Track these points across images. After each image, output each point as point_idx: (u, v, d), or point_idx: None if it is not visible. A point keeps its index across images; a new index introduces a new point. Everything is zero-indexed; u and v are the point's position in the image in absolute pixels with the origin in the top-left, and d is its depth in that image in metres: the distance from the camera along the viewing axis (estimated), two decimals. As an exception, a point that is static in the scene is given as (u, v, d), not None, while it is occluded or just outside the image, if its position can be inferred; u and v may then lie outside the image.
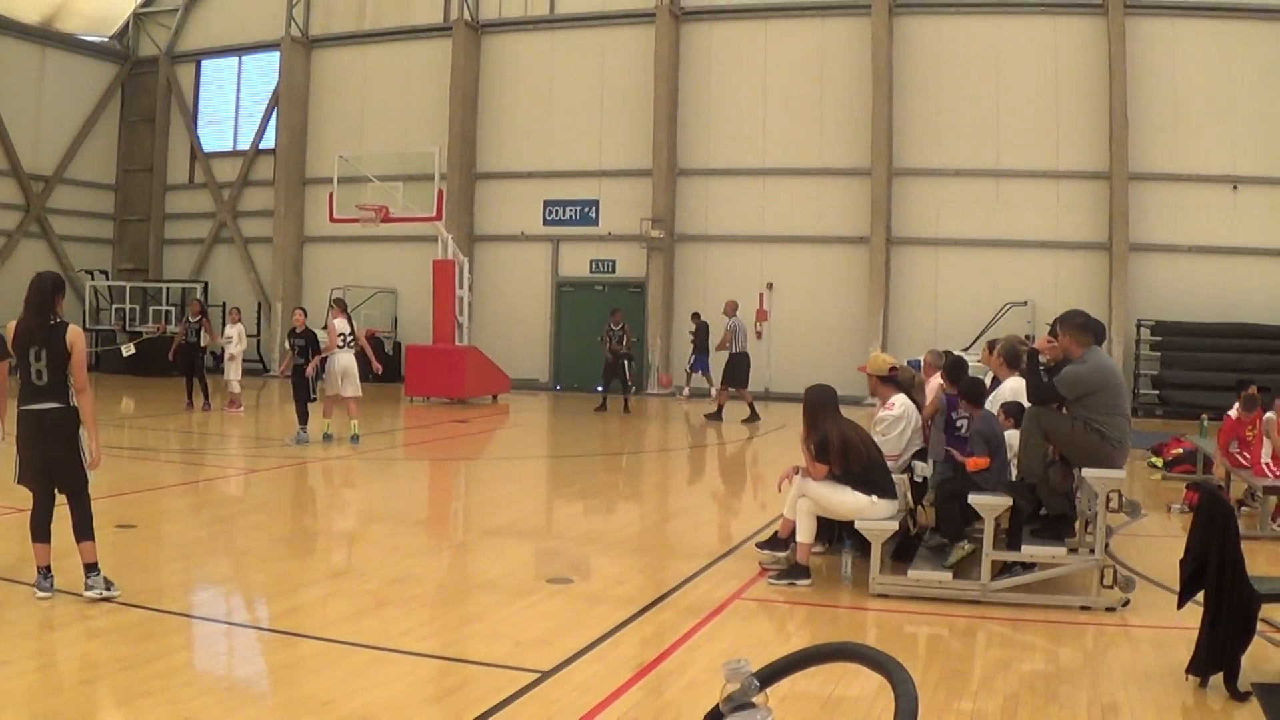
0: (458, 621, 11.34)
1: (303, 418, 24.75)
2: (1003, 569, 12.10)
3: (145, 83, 51.66)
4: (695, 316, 36.04)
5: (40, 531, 11.67)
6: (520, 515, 18.20)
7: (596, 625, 10.70)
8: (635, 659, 9.80)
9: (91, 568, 11.48)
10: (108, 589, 11.34)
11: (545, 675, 9.12)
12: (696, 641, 10.35)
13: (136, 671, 9.35)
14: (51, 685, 8.99)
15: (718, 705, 3.13)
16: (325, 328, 26.18)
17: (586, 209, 42.13)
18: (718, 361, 31.84)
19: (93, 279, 48.95)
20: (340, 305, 26.67)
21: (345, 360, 25.22)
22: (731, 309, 31.47)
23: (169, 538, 15.08)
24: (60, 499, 11.63)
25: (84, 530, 11.62)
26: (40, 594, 11.30)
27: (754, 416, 30.35)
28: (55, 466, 11.56)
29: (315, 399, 25.28)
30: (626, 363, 33.36)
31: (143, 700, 8.61)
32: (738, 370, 30.57)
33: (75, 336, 11.80)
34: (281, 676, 9.52)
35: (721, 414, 30.88)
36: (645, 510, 19.42)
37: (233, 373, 31.02)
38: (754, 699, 3.10)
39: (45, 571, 11.63)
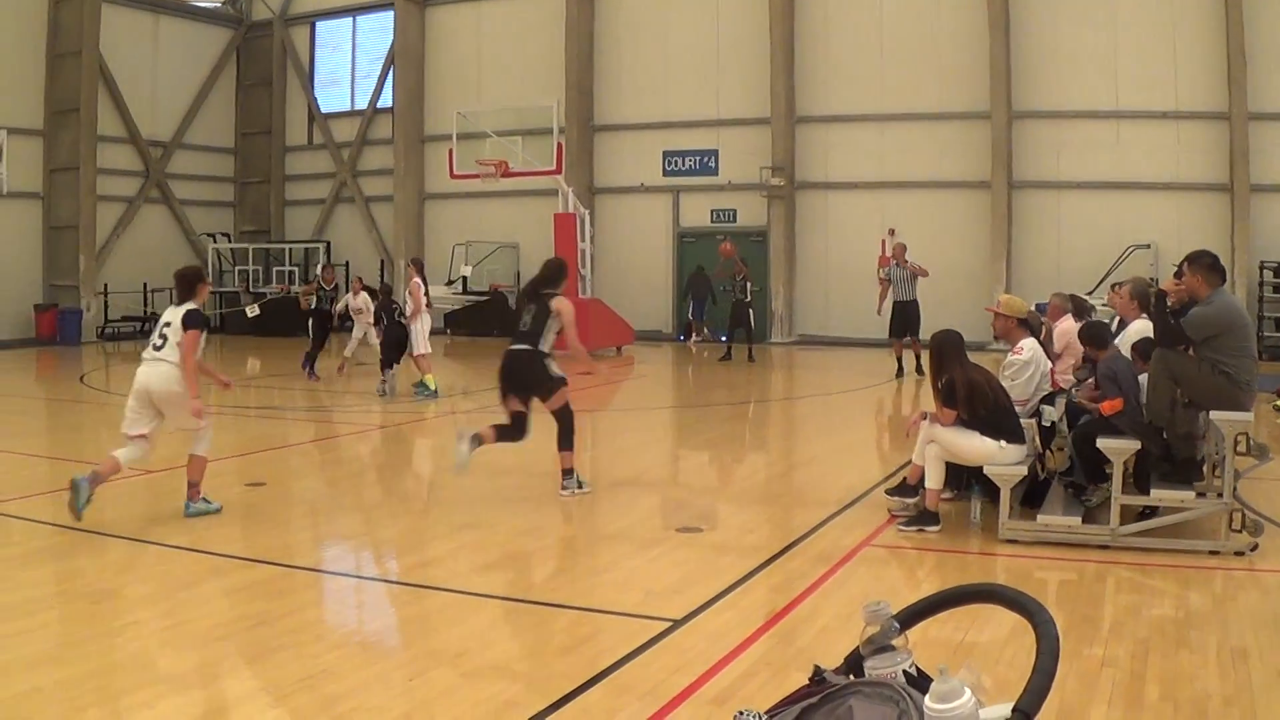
0: (588, 572, 11.46)
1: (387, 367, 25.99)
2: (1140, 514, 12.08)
3: (260, 46, 52.05)
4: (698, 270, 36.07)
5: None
6: (647, 466, 18.29)
7: (726, 574, 10.76)
8: (766, 607, 9.85)
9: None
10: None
11: (677, 624, 9.20)
12: (827, 589, 10.37)
13: (270, 627, 9.53)
14: (188, 642, 9.12)
15: (857, 648, 3.17)
16: (408, 290, 26.79)
17: (706, 159, 42.02)
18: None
19: (215, 242, 49.45)
20: (418, 266, 27.27)
21: (428, 321, 26.36)
22: (899, 253, 30.07)
23: (298, 495, 15.28)
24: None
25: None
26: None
27: (900, 371, 29.14)
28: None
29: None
30: (750, 311, 33.24)
31: (277, 655, 8.77)
32: (904, 319, 29.17)
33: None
34: (413, 629, 9.67)
35: (902, 367, 29.40)
36: (771, 459, 19.46)
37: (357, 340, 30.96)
38: (894, 641, 3.13)
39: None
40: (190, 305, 13.49)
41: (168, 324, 13.53)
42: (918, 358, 27.96)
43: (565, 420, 15.30)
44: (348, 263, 47.33)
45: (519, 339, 15.26)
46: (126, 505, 14.85)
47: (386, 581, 11.47)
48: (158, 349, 13.42)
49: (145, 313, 45.62)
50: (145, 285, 45.67)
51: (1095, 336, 13.36)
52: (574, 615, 9.75)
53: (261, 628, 9.51)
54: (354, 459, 18.83)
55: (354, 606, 10.63)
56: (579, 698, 7.72)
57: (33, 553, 12.52)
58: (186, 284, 13.76)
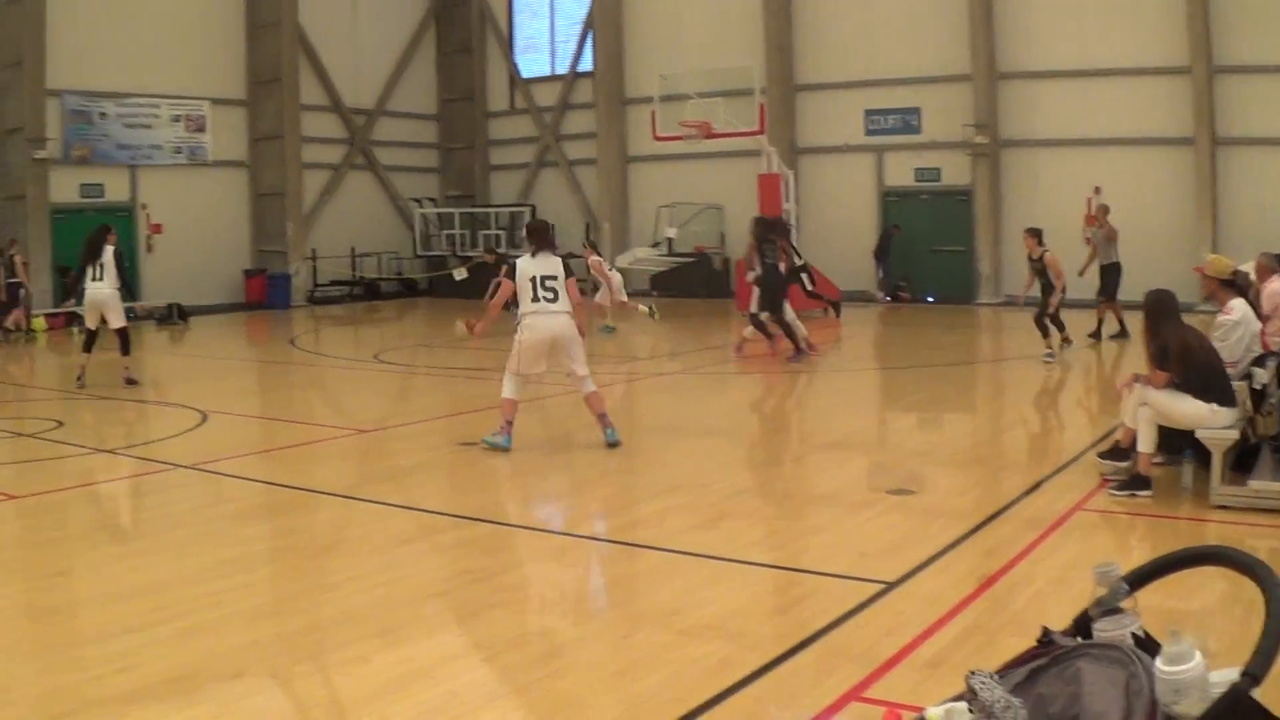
0: (800, 533, 11.45)
1: None
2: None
3: (459, 14, 52.29)
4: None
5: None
6: (856, 428, 18.23)
7: (939, 537, 10.70)
8: (978, 571, 9.77)
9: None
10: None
11: (890, 586, 9.17)
12: (1038, 554, 10.26)
13: (485, 584, 9.71)
14: (402, 598, 9.33)
15: (1086, 610, 3.19)
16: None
17: (908, 117, 41.56)
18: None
19: (421, 207, 49.91)
20: (592, 245, 30.72)
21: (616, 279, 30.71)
22: (1101, 214, 29.39)
23: (514, 454, 15.41)
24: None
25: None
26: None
27: (1123, 332, 28.40)
28: None
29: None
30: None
31: (492, 612, 8.92)
32: (1104, 281, 28.59)
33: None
34: (627, 588, 9.82)
35: (1100, 332, 28.71)
36: (980, 422, 19.31)
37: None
38: (1122, 603, 3.15)
39: None
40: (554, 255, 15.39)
41: (552, 276, 15.01)
42: (1120, 321, 27.50)
43: None
44: (553, 226, 47.54)
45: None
46: (338, 464, 15.17)
47: (598, 540, 11.54)
48: (551, 301, 14.91)
49: (353, 277, 46.28)
50: (353, 250, 46.33)
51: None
52: (787, 576, 9.77)
53: (476, 585, 9.69)
54: (563, 419, 18.96)
55: (567, 565, 10.68)
56: (792, 659, 7.75)
57: (247, 510, 12.87)
58: (545, 234, 15.75)
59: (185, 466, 14.81)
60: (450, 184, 52.33)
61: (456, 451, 15.45)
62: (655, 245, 43.01)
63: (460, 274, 38.94)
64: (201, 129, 43.06)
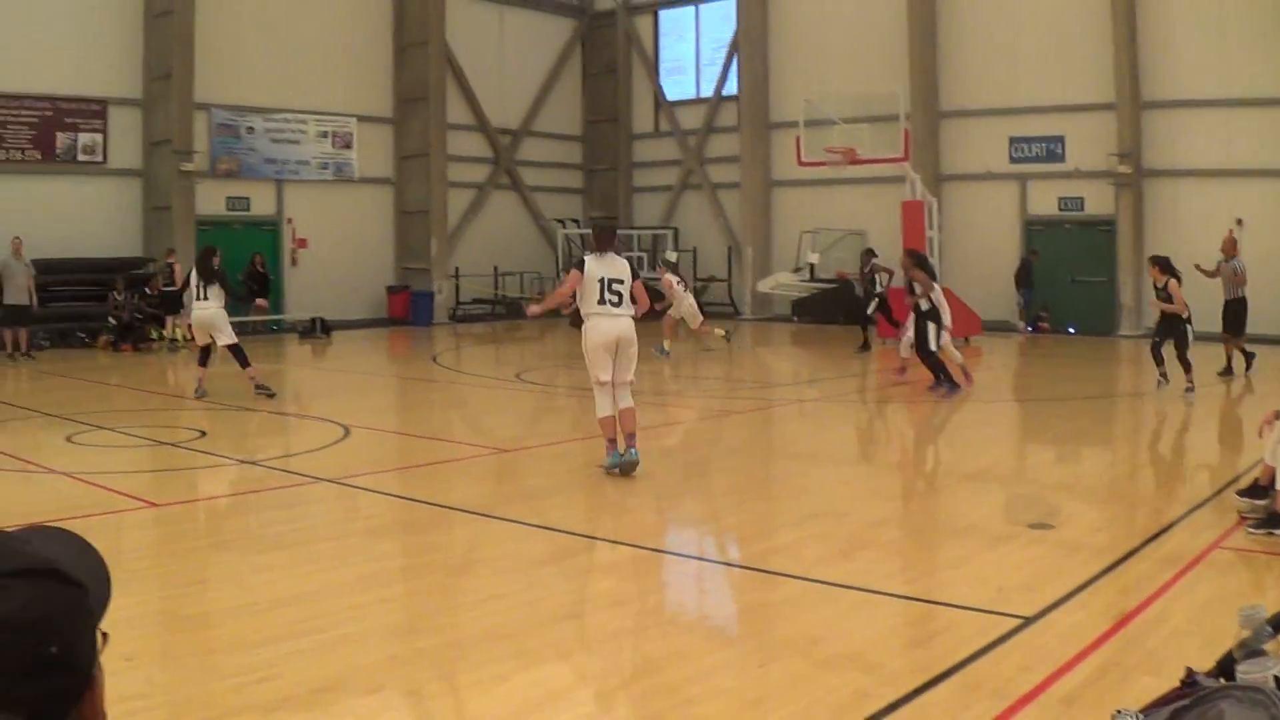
0: (939, 565, 11.38)
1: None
2: None
3: (604, 35, 52.73)
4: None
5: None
6: (995, 460, 18.10)
7: (1076, 573, 10.56)
8: (1115, 608, 9.66)
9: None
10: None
11: (1028, 621, 9.07)
12: (1175, 592, 10.11)
13: (621, 608, 9.78)
14: (538, 619, 9.35)
15: (1230, 651, 3.18)
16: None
17: (1052, 145, 41.24)
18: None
19: (564, 227, 50.12)
20: (670, 266, 31.70)
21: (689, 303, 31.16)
22: (1228, 247, 29.02)
23: (647, 477, 15.45)
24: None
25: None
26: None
27: (1248, 367, 27.98)
28: None
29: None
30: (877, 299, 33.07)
31: (628, 636, 8.99)
32: (1239, 316, 28.16)
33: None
34: (764, 615, 9.71)
35: (1231, 367, 28.14)
36: (1119, 456, 19.09)
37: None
38: (1266, 646, 3.13)
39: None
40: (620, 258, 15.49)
41: (619, 280, 15.03)
42: (1246, 356, 27.11)
43: None
44: (695, 249, 47.72)
45: None
46: (476, 482, 15.28)
47: (736, 567, 11.52)
48: (616, 304, 14.95)
49: (495, 295, 46.59)
50: (495, 269, 46.66)
51: None
52: (924, 609, 9.72)
53: (613, 608, 9.75)
54: (701, 443, 19.00)
55: (703, 591, 10.73)
56: (928, 692, 7.70)
57: (386, 525, 13.03)
58: (609, 235, 15.84)
59: (326, 480, 14.98)
60: (593, 205, 52.65)
61: (594, 473, 15.51)
62: (797, 270, 43.04)
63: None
64: (348, 145, 43.62)
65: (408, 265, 45.28)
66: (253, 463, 16.07)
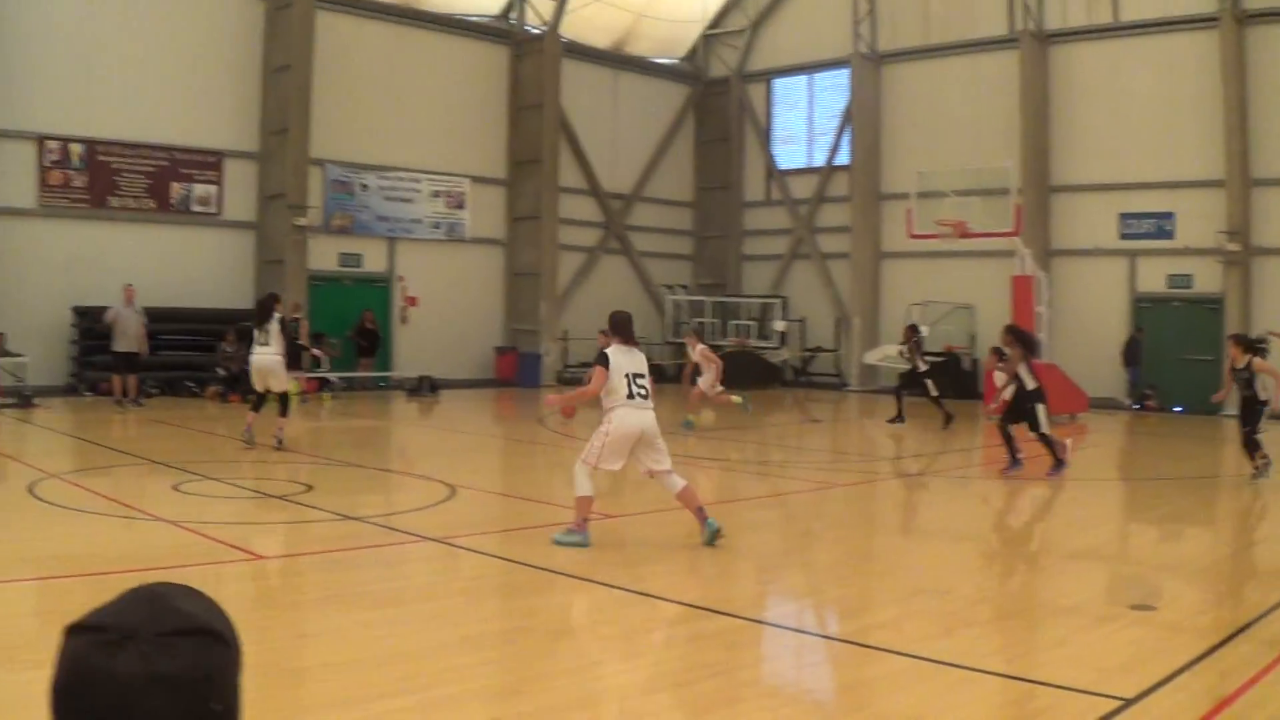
0: (1040, 644, 11.29)
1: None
2: None
3: (717, 103, 53.04)
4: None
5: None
6: (1098, 539, 17.93)
7: (1178, 654, 10.46)
8: (1215, 690, 9.57)
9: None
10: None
11: (1128, 703, 8.99)
12: (1276, 675, 10.06)
13: (726, 678, 9.75)
14: (640, 687, 9.43)
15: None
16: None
17: (1162, 221, 41.03)
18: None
19: (673, 293, 50.28)
20: (697, 333, 32.39)
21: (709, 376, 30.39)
22: None
23: (751, 548, 15.48)
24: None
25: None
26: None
27: None
28: None
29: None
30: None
31: (731, 708, 8.96)
32: None
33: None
34: (865, 691, 9.66)
35: None
36: (1223, 537, 18.94)
37: None
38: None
39: None
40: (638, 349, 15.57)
41: (642, 375, 15.11)
42: None
43: None
44: (804, 319, 47.70)
45: None
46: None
47: (837, 640, 11.40)
48: (644, 397, 14.99)
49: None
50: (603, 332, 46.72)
51: None
52: (1025, 688, 9.65)
53: (718, 678, 9.72)
54: (805, 515, 18.99)
55: (807, 664, 10.70)
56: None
57: (490, 587, 13.15)
58: (630, 326, 15.64)
59: (431, 539, 15.08)
60: (703, 272, 52.83)
61: (695, 542, 15.54)
62: (904, 344, 43.01)
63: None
64: (461, 206, 44.07)
65: (517, 326, 45.62)
66: (357, 519, 16.17)
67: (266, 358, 23.71)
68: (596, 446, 14.98)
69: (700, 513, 15.07)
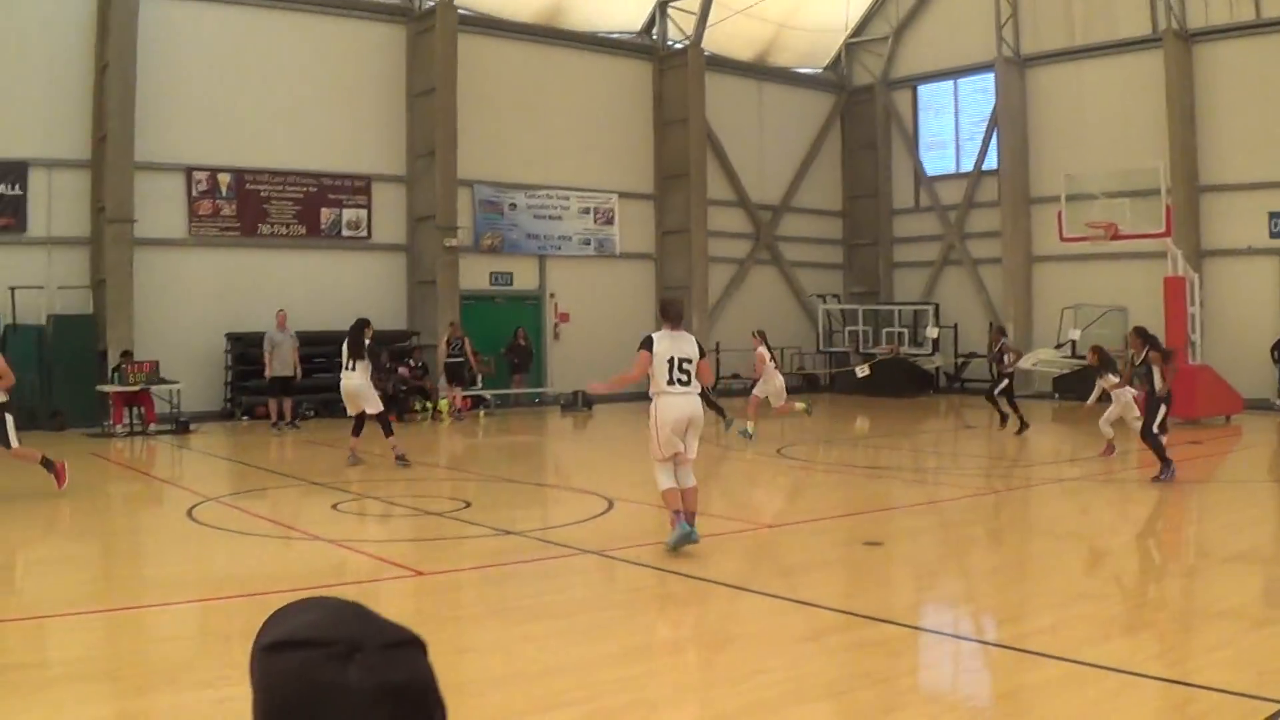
0: (1200, 648, 11.21)
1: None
2: None
3: (863, 111, 52.74)
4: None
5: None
6: (1256, 541, 17.69)
7: (1341, 656, 10.47)
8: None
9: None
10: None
11: (1290, 708, 9.01)
12: None
13: (887, 686, 9.82)
14: (805, 695, 9.47)
15: None
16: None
17: (1312, 219, 40.61)
18: None
19: (824, 303, 50.19)
20: (761, 336, 30.89)
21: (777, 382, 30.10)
22: None
23: (910, 555, 15.53)
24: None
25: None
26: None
27: None
28: None
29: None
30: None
31: (895, 715, 9.04)
32: None
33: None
34: (1025, 698, 9.64)
35: None
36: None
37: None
38: None
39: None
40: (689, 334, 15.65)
41: (688, 360, 15.01)
42: None
43: None
44: (956, 325, 47.43)
45: None
46: (736, 557, 15.41)
47: (996, 646, 11.38)
48: (685, 383, 14.98)
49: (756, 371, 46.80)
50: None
51: None
52: (1186, 692, 9.57)
53: (879, 686, 9.79)
54: (963, 522, 18.93)
55: (966, 670, 10.71)
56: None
57: (648, 598, 13.33)
58: (679, 311, 15.92)
59: (589, 552, 15.23)
60: (854, 280, 52.64)
61: (853, 550, 15.57)
62: (1058, 347, 42.63)
63: (863, 371, 39.07)
64: (610, 221, 44.31)
65: (674, 340, 45.49)
66: (516, 533, 16.32)
67: (353, 381, 24.23)
68: (654, 440, 15.10)
69: (691, 517, 15.05)
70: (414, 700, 2.06)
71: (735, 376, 45.57)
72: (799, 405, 30.34)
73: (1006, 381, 31.46)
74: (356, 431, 24.59)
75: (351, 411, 24.57)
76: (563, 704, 9.07)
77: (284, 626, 2.11)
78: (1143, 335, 23.25)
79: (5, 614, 12.07)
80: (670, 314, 15.57)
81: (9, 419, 19.07)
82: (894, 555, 15.33)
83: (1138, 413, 23.49)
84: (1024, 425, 30.38)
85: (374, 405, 24.27)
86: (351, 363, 24.10)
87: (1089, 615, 12.17)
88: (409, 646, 2.12)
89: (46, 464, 19.88)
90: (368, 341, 24.42)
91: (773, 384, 29.84)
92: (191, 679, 9.96)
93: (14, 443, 19.27)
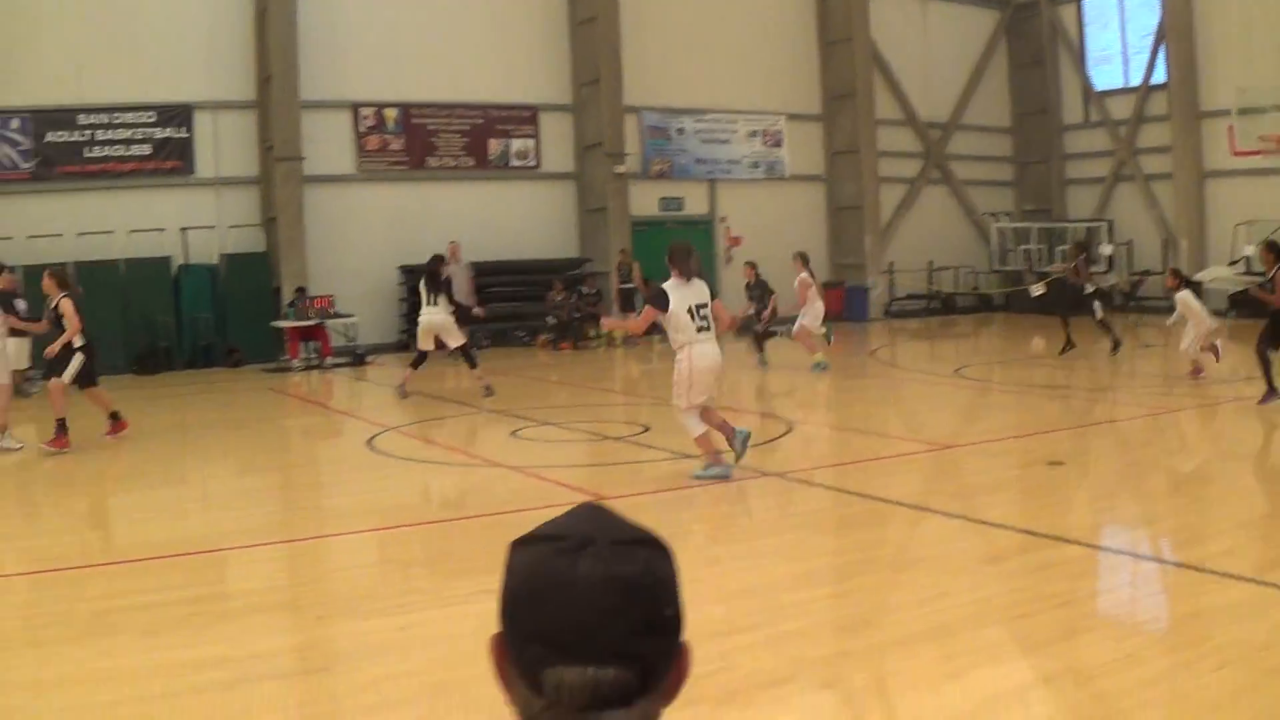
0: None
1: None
2: None
3: (1029, 27, 51.83)
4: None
5: None
6: None
7: None
8: None
9: None
10: None
11: None
12: None
13: (1072, 608, 9.77)
14: (988, 617, 9.47)
15: None
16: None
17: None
18: None
19: (997, 221, 49.77)
20: (802, 259, 29.85)
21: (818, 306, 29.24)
22: None
23: (1085, 476, 15.45)
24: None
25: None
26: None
27: None
28: None
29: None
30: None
31: (1081, 637, 9.01)
32: None
33: None
34: (1210, 620, 9.44)
35: None
36: None
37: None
38: None
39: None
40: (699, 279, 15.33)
41: (704, 304, 14.89)
42: None
43: None
44: (1130, 242, 46.82)
45: None
46: (916, 478, 15.41)
47: (1179, 567, 11.22)
48: (708, 329, 14.85)
49: (929, 291, 46.53)
50: (929, 264, 46.67)
51: None
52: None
53: (1064, 608, 9.72)
54: (1138, 443, 18.69)
55: (1150, 592, 10.61)
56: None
57: (829, 521, 13.48)
58: (690, 256, 15.15)
59: (770, 474, 15.32)
60: (1026, 198, 51.97)
61: (1032, 470, 15.51)
62: (1233, 264, 41.96)
63: (1037, 290, 38.63)
64: (778, 144, 44.15)
65: (841, 261, 45.58)
66: (695, 457, 16.33)
67: (436, 316, 24.38)
68: (683, 388, 14.91)
69: (728, 429, 15.27)
70: (643, 593, 2.22)
71: (909, 296, 45.41)
72: (820, 330, 29.75)
73: (1096, 304, 30.40)
74: (416, 364, 24.86)
75: (424, 346, 24.73)
76: (748, 627, 9.19)
77: (542, 525, 2.34)
78: (1274, 250, 22.38)
79: (188, 546, 12.39)
80: (680, 261, 14.95)
81: (76, 360, 18.99)
82: (1072, 475, 15.25)
83: None
84: (1117, 344, 29.23)
85: (456, 339, 24.47)
86: (432, 297, 24.31)
87: (1273, 536, 12.07)
88: (643, 545, 2.30)
89: (114, 416, 20.03)
90: (444, 277, 24.77)
91: (813, 309, 29.06)
92: (372, 607, 10.18)
93: (67, 379, 19.12)
